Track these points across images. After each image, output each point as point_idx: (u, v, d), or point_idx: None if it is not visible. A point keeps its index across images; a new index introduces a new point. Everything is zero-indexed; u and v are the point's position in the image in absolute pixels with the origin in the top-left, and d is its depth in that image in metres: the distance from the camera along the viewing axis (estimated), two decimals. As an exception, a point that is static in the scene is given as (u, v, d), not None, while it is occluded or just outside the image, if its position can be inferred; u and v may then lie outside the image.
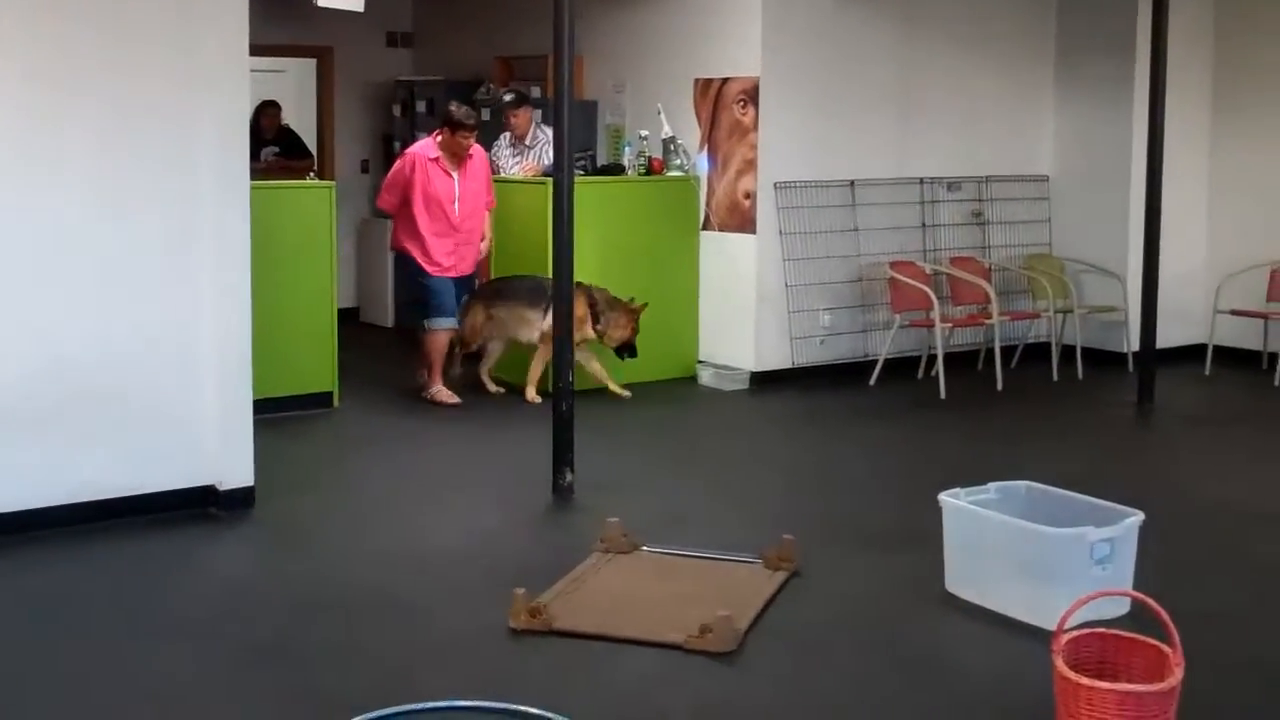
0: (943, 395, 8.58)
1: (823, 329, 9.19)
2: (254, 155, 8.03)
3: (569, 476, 6.31)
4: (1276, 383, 9.17)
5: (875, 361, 9.10)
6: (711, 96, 9.20)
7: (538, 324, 8.29)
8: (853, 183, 9.27)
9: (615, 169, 9.25)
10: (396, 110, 11.19)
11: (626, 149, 9.32)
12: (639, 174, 9.15)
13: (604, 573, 5.19)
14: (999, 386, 8.92)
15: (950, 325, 9.15)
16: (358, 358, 9.08)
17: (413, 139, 10.93)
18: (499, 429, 7.79)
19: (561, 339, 6.38)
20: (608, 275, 8.63)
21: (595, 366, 8.49)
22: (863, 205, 9.33)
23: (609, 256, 8.74)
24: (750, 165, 8.99)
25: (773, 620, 4.76)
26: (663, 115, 9.19)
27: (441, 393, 8.33)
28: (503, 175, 9.15)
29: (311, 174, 10.04)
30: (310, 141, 11.43)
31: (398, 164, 8.47)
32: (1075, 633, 4.00)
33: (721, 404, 8.43)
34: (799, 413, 8.41)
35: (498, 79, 10.77)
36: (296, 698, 4.18)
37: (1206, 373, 9.59)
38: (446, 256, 8.36)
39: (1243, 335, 9.78)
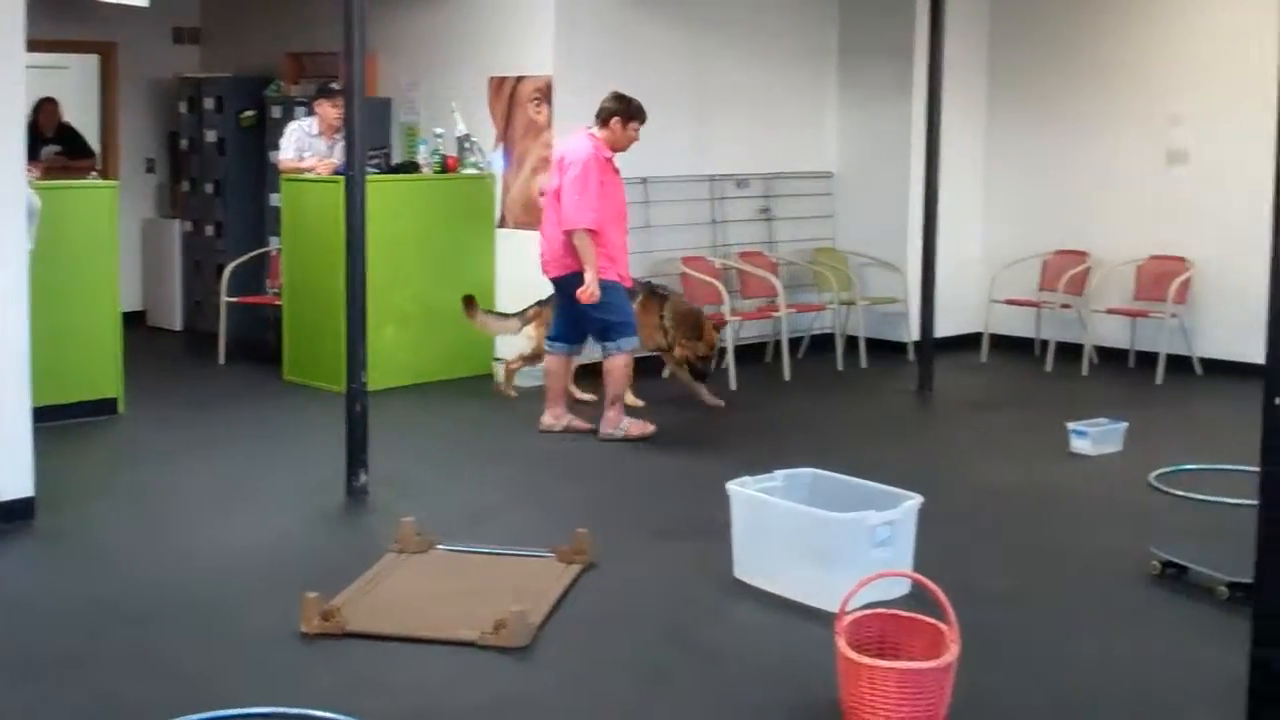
0: (733, 386, 8.78)
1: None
2: (33, 154, 7.76)
3: (363, 477, 6.28)
4: (1048, 368, 9.65)
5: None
6: (506, 95, 9.23)
7: (656, 331, 8.12)
8: (645, 180, 9.39)
9: (410, 167, 9.20)
10: (183, 108, 10.93)
11: (421, 147, 9.28)
12: (434, 172, 9.13)
13: (398, 573, 5.19)
14: (787, 377, 9.17)
15: (740, 318, 9.35)
16: (144, 363, 8.85)
17: (200, 137, 10.74)
18: (292, 432, 7.70)
19: (354, 336, 6.32)
20: (403, 274, 8.60)
21: (684, 375, 8.31)
22: (655, 202, 9.47)
23: (404, 255, 8.71)
24: (545, 163, 9.02)
25: (567, 613, 4.83)
26: (457, 113, 9.18)
27: (637, 424, 7.54)
28: (289, 167, 9.07)
29: (94, 173, 9.76)
30: (93, 140, 11.08)
31: (586, 170, 7.22)
32: (857, 614, 4.15)
33: (518, 400, 8.47)
34: (594, 407, 8.49)
35: (288, 76, 10.61)
36: (85, 709, 4.09)
37: (983, 360, 10.02)
38: (627, 267, 7.59)
39: (1016, 323, 10.25)
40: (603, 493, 6.55)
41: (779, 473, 5.35)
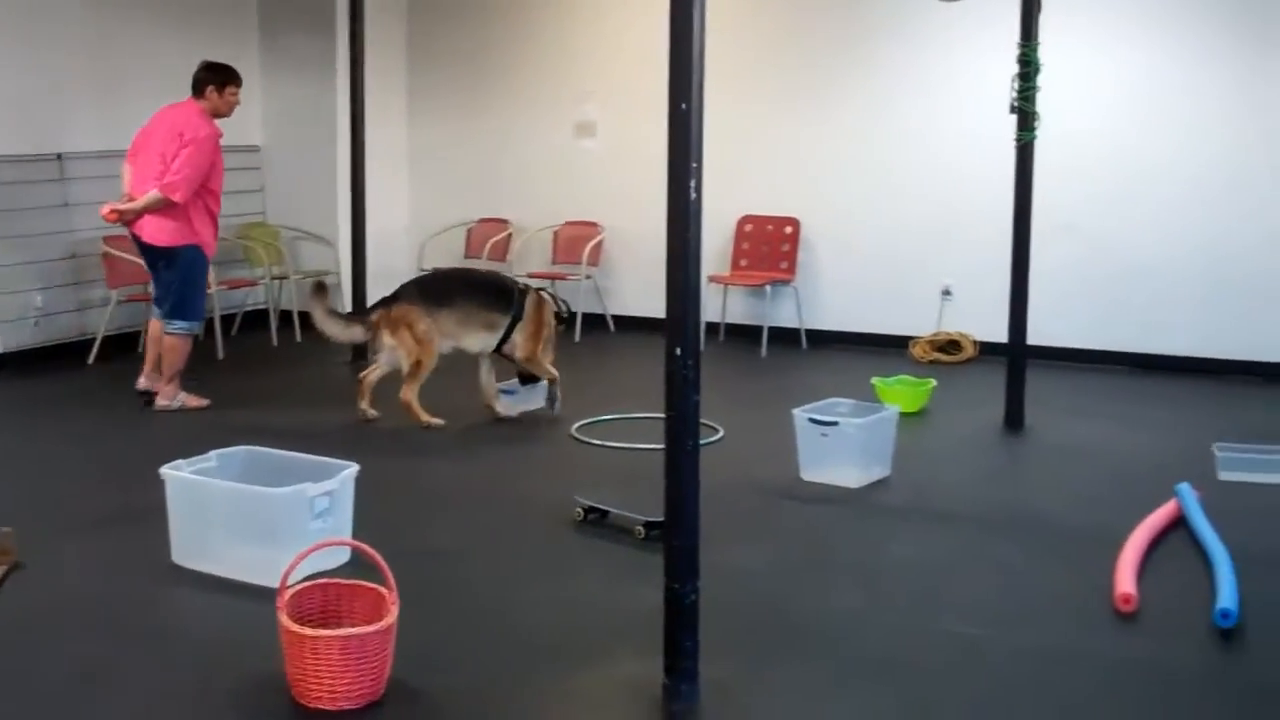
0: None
1: (35, 310, 8.82)
2: None
3: None
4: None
5: (94, 340, 8.89)
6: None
7: (497, 335, 7.37)
8: (60, 156, 8.94)
9: None
10: None
11: None
12: None
13: None
14: (220, 355, 9.05)
15: (170, 298, 9.11)
16: None
17: None
18: None
19: None
20: None
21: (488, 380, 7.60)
22: (73, 180, 9.03)
23: None
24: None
25: (-6, 617, 4.62)
26: None
27: (194, 398, 7.68)
28: None
29: None
30: None
31: (205, 149, 7.33)
32: (298, 586, 4.22)
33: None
34: (13, 400, 8.05)
35: None
36: None
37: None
38: (216, 238, 7.75)
39: (447, 291, 10.60)
40: (29, 488, 6.25)
41: (213, 453, 5.31)
